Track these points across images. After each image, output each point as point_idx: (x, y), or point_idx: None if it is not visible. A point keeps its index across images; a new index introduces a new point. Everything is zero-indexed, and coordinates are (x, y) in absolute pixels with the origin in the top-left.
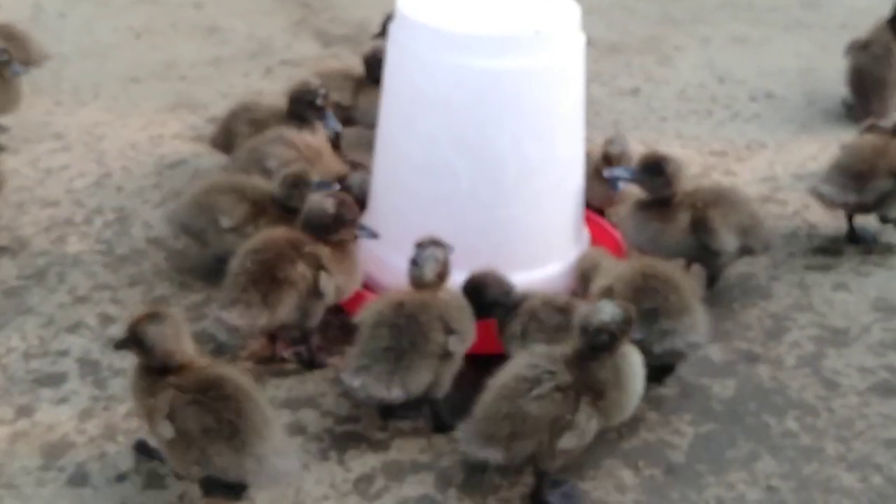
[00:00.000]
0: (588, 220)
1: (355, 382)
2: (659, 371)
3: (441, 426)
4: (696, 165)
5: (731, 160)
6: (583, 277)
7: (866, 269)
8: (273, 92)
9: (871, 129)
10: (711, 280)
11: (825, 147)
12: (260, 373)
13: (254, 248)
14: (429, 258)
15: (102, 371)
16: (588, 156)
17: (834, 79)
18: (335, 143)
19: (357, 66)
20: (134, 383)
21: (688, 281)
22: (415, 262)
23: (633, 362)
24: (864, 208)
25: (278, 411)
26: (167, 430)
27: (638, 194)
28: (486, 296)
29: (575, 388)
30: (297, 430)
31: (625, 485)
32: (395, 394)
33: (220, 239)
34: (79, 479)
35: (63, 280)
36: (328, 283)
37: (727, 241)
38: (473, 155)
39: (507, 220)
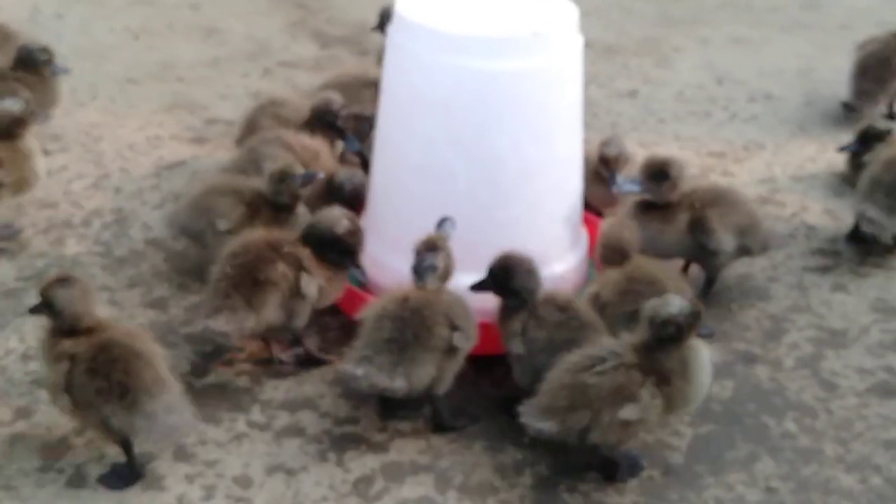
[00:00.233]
0: (587, 222)
1: (358, 371)
2: None
3: (441, 426)
4: (694, 167)
5: (730, 161)
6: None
7: (865, 270)
8: (272, 93)
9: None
10: (709, 281)
11: (823, 148)
12: (258, 374)
13: (232, 252)
14: (428, 269)
15: None
16: (586, 157)
17: (833, 80)
18: (363, 161)
19: (374, 71)
20: (43, 350)
21: (675, 283)
22: (416, 273)
23: (701, 356)
24: None
25: (276, 412)
26: (64, 402)
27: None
28: (514, 282)
29: (641, 368)
30: (296, 431)
31: (623, 486)
32: (399, 384)
33: (218, 241)
34: (77, 480)
35: None
36: (309, 284)
37: (725, 241)
38: (472, 156)
39: (505, 222)
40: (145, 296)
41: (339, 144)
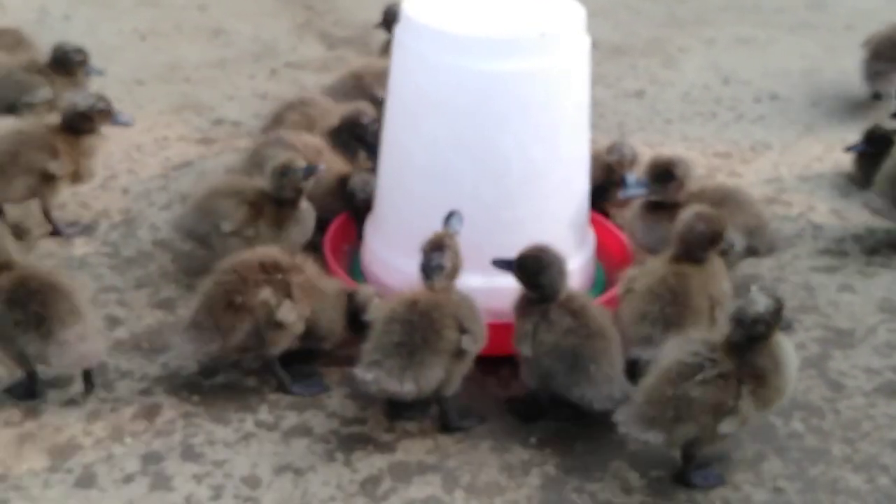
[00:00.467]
0: (594, 222)
1: (368, 376)
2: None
3: (447, 427)
4: (700, 167)
5: (736, 162)
6: None
7: (872, 270)
8: (278, 94)
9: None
10: None
11: (830, 148)
12: (266, 375)
13: (224, 268)
14: (436, 269)
15: (109, 373)
16: (594, 158)
17: (839, 80)
18: None
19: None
20: None
21: None
22: (424, 273)
23: (787, 348)
24: None
25: (284, 412)
26: None
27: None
28: (544, 277)
29: (737, 375)
30: (304, 431)
31: (631, 486)
32: (408, 388)
33: (223, 243)
34: (86, 480)
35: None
36: (289, 314)
37: (733, 239)
38: (478, 157)
39: (511, 222)
40: (153, 296)
41: (362, 156)
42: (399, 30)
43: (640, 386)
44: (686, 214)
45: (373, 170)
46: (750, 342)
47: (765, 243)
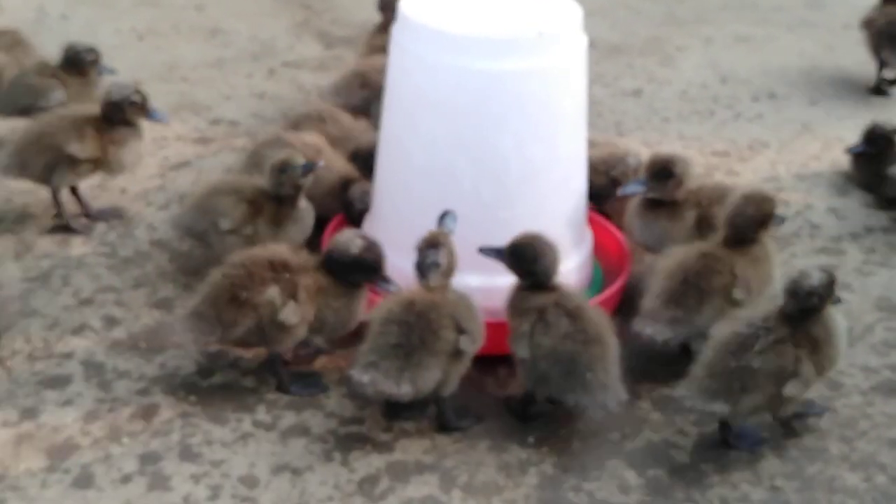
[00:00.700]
0: (591, 222)
1: (364, 378)
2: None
3: (445, 427)
4: (698, 166)
5: (734, 160)
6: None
7: (869, 268)
8: (276, 93)
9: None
10: None
11: (828, 147)
12: (264, 374)
13: (233, 261)
14: (431, 266)
15: (107, 373)
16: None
17: (837, 78)
18: None
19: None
20: None
21: None
22: (419, 271)
23: (838, 320)
24: None
25: (282, 412)
26: None
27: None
28: (539, 264)
29: (792, 341)
30: (302, 431)
31: (629, 485)
32: (405, 390)
33: (221, 241)
34: (84, 480)
35: (67, 282)
36: (292, 315)
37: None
38: (476, 156)
39: (509, 222)
40: (151, 296)
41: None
42: (396, 30)
43: (699, 361)
44: (736, 197)
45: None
46: (803, 314)
47: None
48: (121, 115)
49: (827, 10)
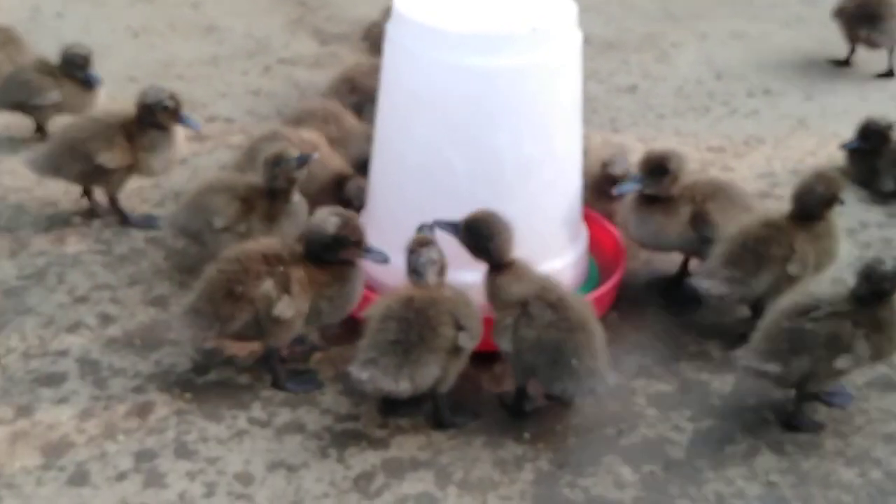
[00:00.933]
0: (587, 218)
1: (363, 375)
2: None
3: (441, 424)
4: (693, 162)
5: (729, 156)
6: None
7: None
8: (272, 90)
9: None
10: None
11: (823, 142)
12: (259, 372)
13: (227, 257)
14: (426, 263)
15: (102, 371)
16: (587, 171)
17: (833, 74)
18: None
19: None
20: None
21: None
22: (415, 271)
23: None
24: None
25: (277, 409)
26: None
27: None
28: (493, 242)
29: (852, 318)
30: (297, 428)
31: (624, 481)
32: (403, 387)
33: (216, 239)
34: (79, 478)
35: (62, 280)
36: (286, 309)
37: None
38: (471, 153)
39: None
40: (146, 293)
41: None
42: (390, 27)
43: (760, 325)
44: (807, 176)
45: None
46: (872, 297)
47: None
48: (153, 118)
49: (821, 6)
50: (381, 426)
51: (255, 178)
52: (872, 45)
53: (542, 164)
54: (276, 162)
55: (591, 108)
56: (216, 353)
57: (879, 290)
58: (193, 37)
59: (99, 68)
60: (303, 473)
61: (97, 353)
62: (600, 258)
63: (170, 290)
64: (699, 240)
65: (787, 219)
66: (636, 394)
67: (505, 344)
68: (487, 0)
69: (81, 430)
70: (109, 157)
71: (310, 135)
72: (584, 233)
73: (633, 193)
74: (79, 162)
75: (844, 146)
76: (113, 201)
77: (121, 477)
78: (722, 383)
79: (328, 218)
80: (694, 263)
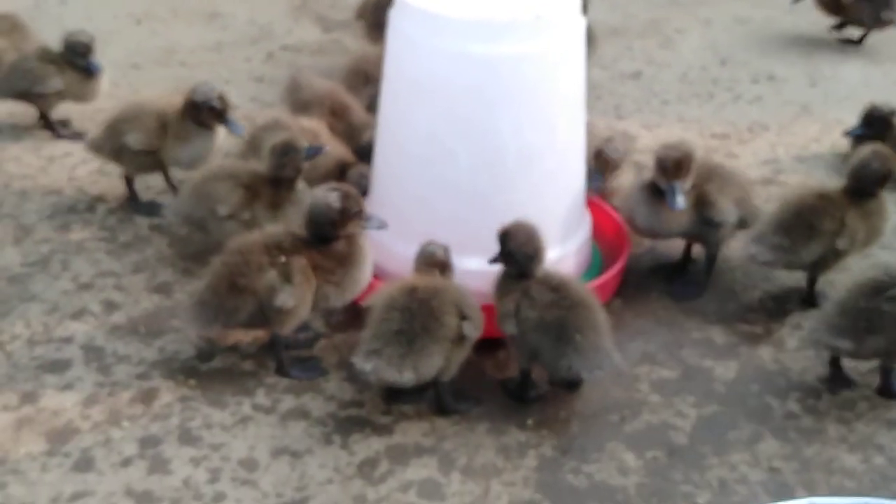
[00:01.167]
0: (590, 205)
1: (367, 366)
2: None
3: (444, 410)
4: (698, 148)
5: (733, 143)
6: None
7: (867, 251)
8: (275, 77)
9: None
10: (711, 259)
11: (827, 129)
12: (263, 358)
13: (230, 248)
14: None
15: (107, 357)
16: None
17: (837, 60)
18: None
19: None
20: None
21: None
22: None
23: None
24: None
25: (281, 396)
26: None
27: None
28: (533, 262)
29: None
30: (301, 414)
31: (628, 467)
32: (407, 377)
33: (220, 227)
34: (84, 464)
35: (67, 267)
36: (287, 299)
37: (729, 212)
38: (473, 141)
39: (507, 207)
40: (150, 280)
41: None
42: (393, 14)
43: (832, 299)
44: (862, 152)
45: None
46: None
47: (752, 214)
48: (197, 115)
49: None
50: (384, 413)
51: (259, 165)
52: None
53: (544, 152)
54: (285, 151)
55: (595, 95)
56: (220, 340)
57: None
58: (196, 23)
59: (101, 55)
60: (307, 459)
61: (101, 339)
62: (603, 245)
63: (174, 277)
64: (702, 222)
65: (840, 193)
66: (639, 380)
67: (509, 327)
68: None
69: (86, 417)
70: (135, 139)
71: (310, 123)
72: (587, 220)
73: (640, 184)
74: (113, 140)
75: (848, 133)
76: (129, 183)
77: (125, 463)
78: (725, 370)
79: (328, 194)
80: (697, 249)
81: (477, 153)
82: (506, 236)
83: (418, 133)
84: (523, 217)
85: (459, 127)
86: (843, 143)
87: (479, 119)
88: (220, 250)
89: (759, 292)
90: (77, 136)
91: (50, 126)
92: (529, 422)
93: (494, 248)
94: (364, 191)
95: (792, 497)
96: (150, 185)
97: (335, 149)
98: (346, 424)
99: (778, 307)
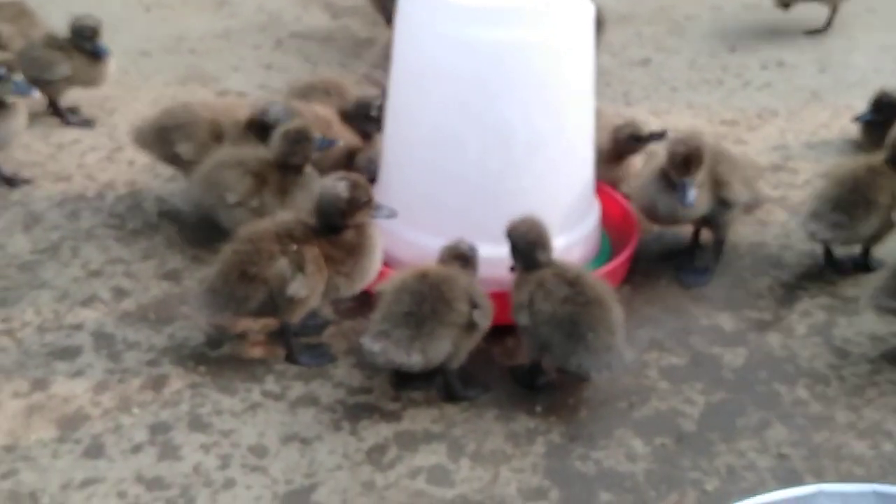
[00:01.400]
0: (599, 192)
1: (375, 347)
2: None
3: (453, 397)
4: (707, 135)
5: (743, 129)
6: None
7: None
8: (284, 64)
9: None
10: (719, 243)
11: (837, 115)
12: (273, 345)
13: (241, 237)
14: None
15: (117, 344)
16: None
17: (846, 46)
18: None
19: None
20: None
21: None
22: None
23: None
24: None
25: (290, 382)
26: None
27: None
28: (524, 240)
29: None
30: (310, 401)
31: (636, 453)
32: (415, 359)
33: (230, 214)
34: (94, 450)
35: (76, 254)
36: (300, 288)
37: (740, 192)
38: (483, 127)
39: (517, 192)
40: (159, 267)
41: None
42: (402, 1)
43: (888, 266)
44: None
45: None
46: None
47: (756, 195)
48: (258, 131)
49: None
50: (393, 399)
51: (266, 151)
52: None
53: (554, 137)
54: (297, 139)
55: (604, 82)
56: (229, 327)
57: None
58: (205, 10)
59: (110, 42)
60: (316, 446)
61: (111, 326)
62: (612, 231)
63: (183, 263)
64: (716, 203)
65: (885, 165)
66: (648, 367)
67: (523, 318)
68: None
69: (96, 403)
70: (186, 148)
71: (324, 111)
72: (596, 207)
73: (656, 173)
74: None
75: (858, 118)
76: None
77: (136, 449)
78: (734, 356)
79: (336, 184)
80: (704, 235)
81: (485, 140)
82: (509, 230)
83: (427, 121)
84: (532, 203)
85: (469, 112)
86: (853, 129)
87: (488, 106)
88: (230, 238)
89: (767, 279)
90: (86, 123)
91: (59, 113)
92: (538, 408)
93: (502, 235)
94: (372, 176)
95: (800, 484)
96: (158, 172)
97: (344, 135)
98: (355, 411)
99: (787, 294)
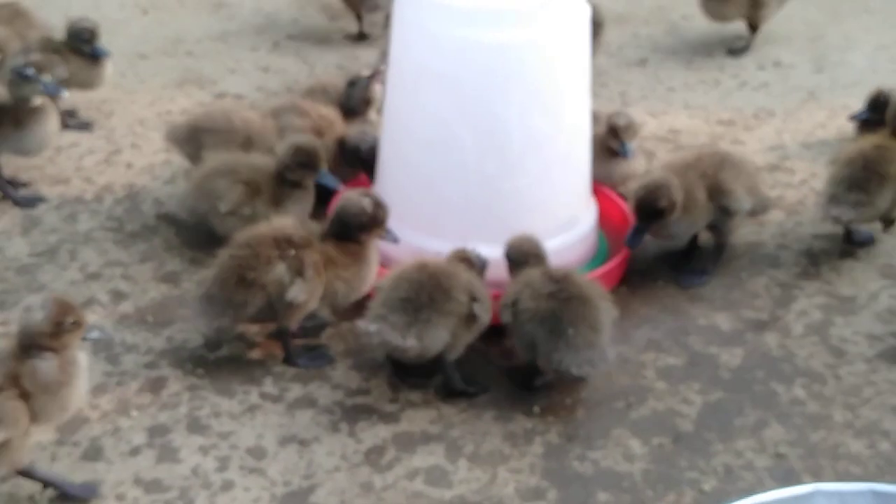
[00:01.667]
0: (596, 192)
1: (371, 328)
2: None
3: (451, 390)
4: (703, 135)
5: (739, 129)
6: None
7: (875, 236)
8: (281, 66)
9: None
10: (720, 248)
11: (833, 115)
12: (271, 347)
13: (239, 242)
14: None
15: (115, 347)
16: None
17: (842, 46)
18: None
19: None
20: None
21: None
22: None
23: None
24: None
25: (288, 384)
26: None
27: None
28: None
29: None
30: (309, 402)
31: (633, 454)
32: (410, 343)
33: (222, 222)
34: (93, 453)
35: (74, 257)
36: (299, 293)
37: (744, 199)
38: (479, 128)
39: (513, 193)
40: (157, 270)
41: None
42: (399, 1)
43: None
44: None
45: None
46: None
47: (761, 202)
48: (347, 155)
49: None
50: (391, 401)
51: (258, 158)
52: None
53: (550, 137)
54: (305, 163)
55: (601, 82)
56: (227, 329)
57: None
58: (202, 13)
59: (108, 44)
60: (314, 447)
61: (109, 329)
62: (610, 232)
63: (181, 266)
64: (718, 211)
65: (890, 139)
66: (645, 367)
67: (506, 316)
68: None
69: (95, 406)
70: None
71: (328, 111)
72: (593, 207)
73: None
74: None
75: (854, 117)
76: None
77: (134, 452)
78: (731, 356)
79: (362, 199)
80: (703, 236)
81: (483, 139)
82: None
83: (425, 119)
84: (528, 204)
85: (465, 113)
86: (850, 129)
87: (485, 105)
88: (227, 242)
89: (764, 279)
90: (84, 125)
91: None
92: (536, 409)
93: (501, 233)
94: (372, 149)
95: (798, 483)
96: (156, 175)
97: (338, 127)
98: (353, 412)
99: (783, 294)
